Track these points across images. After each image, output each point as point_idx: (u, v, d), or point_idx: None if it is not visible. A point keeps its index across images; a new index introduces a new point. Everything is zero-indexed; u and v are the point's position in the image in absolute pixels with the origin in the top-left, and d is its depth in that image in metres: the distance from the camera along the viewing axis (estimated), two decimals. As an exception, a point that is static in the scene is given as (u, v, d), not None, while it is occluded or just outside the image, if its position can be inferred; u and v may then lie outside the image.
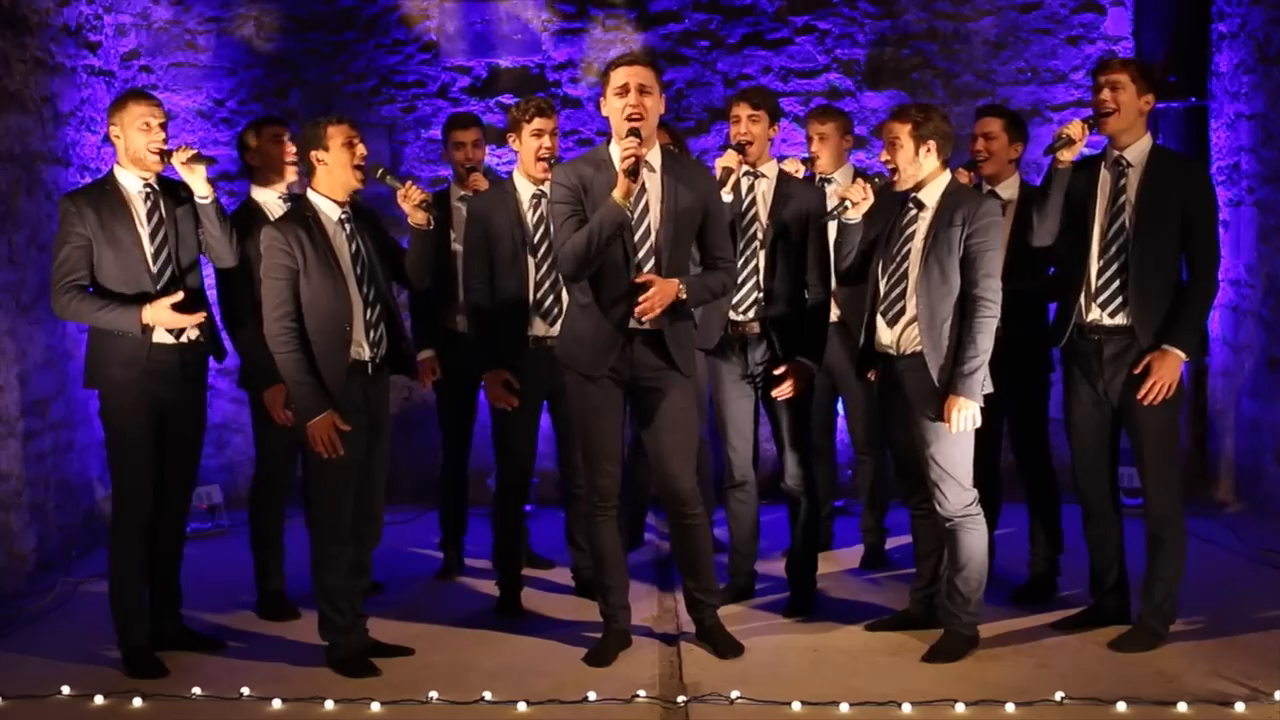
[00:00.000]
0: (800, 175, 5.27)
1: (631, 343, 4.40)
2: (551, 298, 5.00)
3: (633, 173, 4.23)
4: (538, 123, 4.99)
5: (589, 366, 4.41)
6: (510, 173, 5.19)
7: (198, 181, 4.57)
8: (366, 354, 4.45)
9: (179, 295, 4.51)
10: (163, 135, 4.54)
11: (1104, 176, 4.57)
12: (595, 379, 4.41)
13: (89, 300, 4.47)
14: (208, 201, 4.60)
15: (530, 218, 5.02)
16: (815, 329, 4.98)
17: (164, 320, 4.49)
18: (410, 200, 4.50)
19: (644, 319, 4.33)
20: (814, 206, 4.97)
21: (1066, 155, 4.53)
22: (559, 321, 4.94)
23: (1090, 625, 4.72)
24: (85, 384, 4.61)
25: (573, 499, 5.27)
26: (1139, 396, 4.44)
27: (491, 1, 7.28)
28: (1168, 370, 4.42)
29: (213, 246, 4.69)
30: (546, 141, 5.01)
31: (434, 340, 5.61)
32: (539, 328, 5.02)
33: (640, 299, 4.30)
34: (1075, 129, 4.50)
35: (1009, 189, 5.12)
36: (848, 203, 4.60)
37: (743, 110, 4.98)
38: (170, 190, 4.65)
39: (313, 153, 4.42)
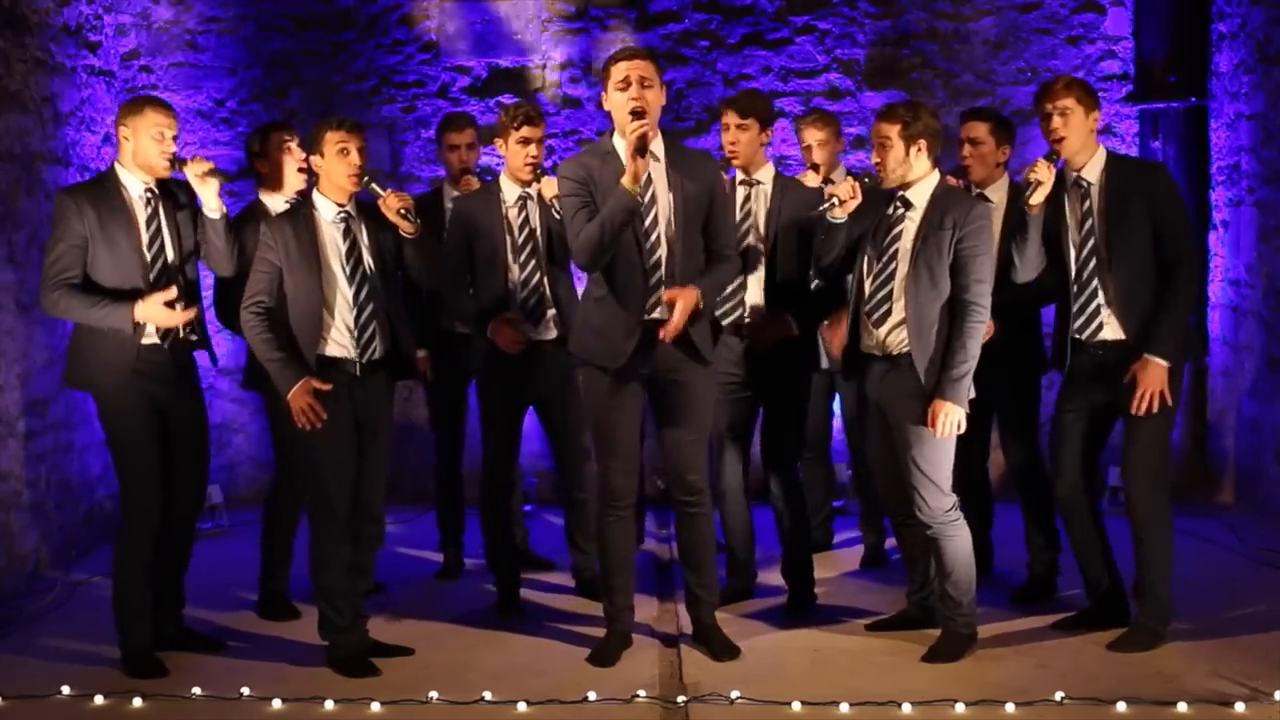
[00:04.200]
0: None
1: (652, 337, 4.38)
2: (535, 299, 4.97)
3: (641, 151, 4.19)
4: (525, 131, 4.93)
5: (608, 359, 4.38)
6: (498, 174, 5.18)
7: (209, 195, 4.53)
8: (351, 352, 4.44)
9: (172, 292, 4.49)
10: (174, 148, 4.53)
11: (1068, 202, 4.54)
12: (613, 375, 4.38)
13: (80, 297, 4.43)
14: (216, 217, 4.59)
15: (515, 219, 5.00)
16: (814, 315, 4.98)
17: (156, 317, 4.46)
18: (389, 208, 4.47)
19: (666, 338, 4.30)
20: (812, 210, 4.97)
21: (1038, 199, 4.46)
22: (543, 323, 4.95)
23: (1090, 625, 4.71)
24: (65, 383, 4.58)
25: (572, 502, 5.27)
26: (1131, 410, 4.43)
27: (491, 1, 7.29)
28: (1152, 379, 4.40)
29: (213, 256, 4.67)
30: (532, 150, 4.95)
31: (426, 341, 5.60)
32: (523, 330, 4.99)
33: (665, 326, 4.27)
34: (1042, 171, 4.42)
35: (998, 192, 5.09)
36: (834, 200, 4.51)
37: (730, 119, 4.93)
38: (170, 193, 4.64)
39: (311, 156, 4.48)
